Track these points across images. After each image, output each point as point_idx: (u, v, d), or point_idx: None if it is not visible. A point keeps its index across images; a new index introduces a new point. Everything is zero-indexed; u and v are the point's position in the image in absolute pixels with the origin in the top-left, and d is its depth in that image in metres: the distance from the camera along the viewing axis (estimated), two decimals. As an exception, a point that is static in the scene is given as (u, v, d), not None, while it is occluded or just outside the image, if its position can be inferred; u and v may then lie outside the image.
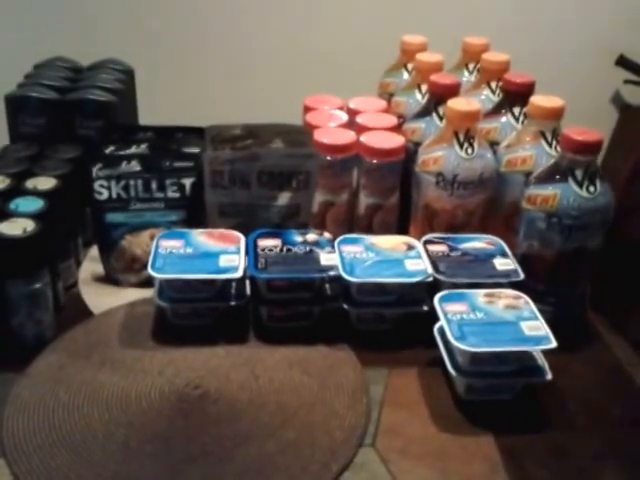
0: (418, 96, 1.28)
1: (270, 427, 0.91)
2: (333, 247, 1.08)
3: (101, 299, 1.13)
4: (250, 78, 1.89)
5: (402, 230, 1.20)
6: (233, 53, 1.90)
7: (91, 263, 1.19)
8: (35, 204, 1.03)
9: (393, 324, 1.07)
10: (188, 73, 1.88)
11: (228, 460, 0.86)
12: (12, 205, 1.03)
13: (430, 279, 1.03)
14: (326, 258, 1.05)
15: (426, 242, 1.10)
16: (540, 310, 0.97)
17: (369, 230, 1.19)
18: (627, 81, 1.87)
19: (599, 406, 0.99)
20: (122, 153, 1.12)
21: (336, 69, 1.82)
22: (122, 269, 1.15)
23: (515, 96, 1.19)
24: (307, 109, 1.29)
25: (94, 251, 1.19)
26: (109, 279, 1.17)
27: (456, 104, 1.11)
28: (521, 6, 1.87)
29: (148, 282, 1.11)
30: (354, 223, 1.22)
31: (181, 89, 1.86)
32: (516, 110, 1.19)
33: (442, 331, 0.97)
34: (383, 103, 1.32)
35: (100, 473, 0.84)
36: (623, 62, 1.84)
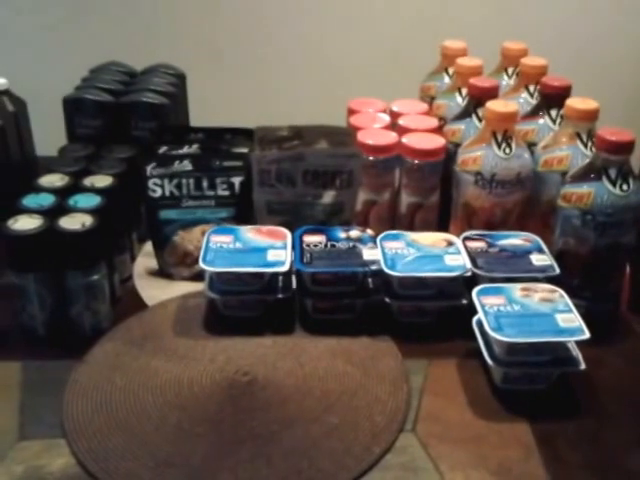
0: (459, 99, 1.31)
1: (315, 412, 0.95)
2: (375, 243, 1.12)
3: (154, 292, 1.18)
4: (294, 82, 1.94)
5: (442, 228, 1.23)
6: (278, 59, 1.95)
7: (145, 258, 1.25)
8: (93, 200, 1.08)
9: (433, 317, 1.11)
10: (236, 78, 1.93)
11: (275, 442, 0.91)
12: (71, 201, 1.08)
13: (469, 274, 1.07)
14: (369, 253, 1.09)
15: (465, 239, 1.14)
16: (575, 304, 1.01)
17: (410, 228, 1.22)
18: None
19: (631, 395, 1.02)
20: (175, 153, 1.17)
21: (378, 73, 1.87)
22: (175, 263, 1.20)
23: (553, 99, 1.22)
24: (351, 111, 1.33)
25: (148, 247, 1.25)
26: (162, 273, 1.21)
27: (495, 105, 1.14)
28: (557, 13, 1.90)
29: (199, 276, 1.16)
30: (396, 221, 1.25)
31: (229, 92, 1.91)
32: (553, 112, 1.22)
33: (480, 323, 1.00)
34: (424, 106, 1.36)
35: (155, 453, 0.89)
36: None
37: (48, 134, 1.31)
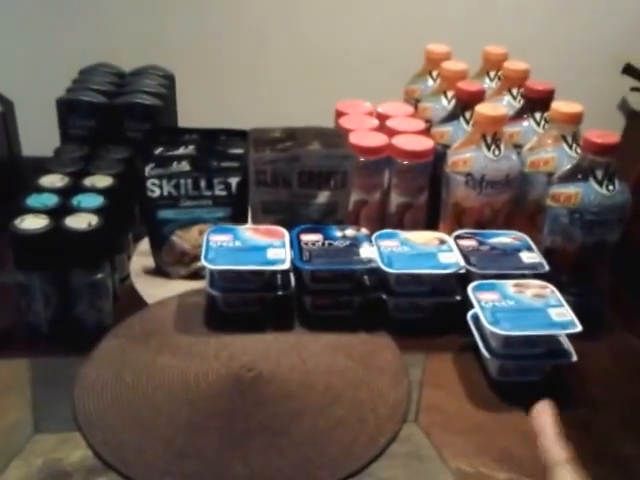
0: (444, 102, 1.35)
1: (320, 405, 0.98)
2: (371, 241, 1.15)
3: (153, 290, 1.20)
4: (279, 83, 1.96)
5: (430, 227, 1.27)
6: (260, 61, 1.97)
7: (140, 257, 1.26)
8: (96, 200, 1.10)
9: (427, 313, 1.15)
10: (221, 80, 1.95)
11: (285, 434, 0.94)
12: (74, 201, 1.09)
13: (463, 271, 1.11)
14: (365, 251, 1.13)
15: (457, 237, 1.18)
16: (563, 300, 1.05)
17: (399, 227, 1.25)
18: (634, 89, 1.94)
19: (618, 386, 1.07)
20: (171, 154, 1.18)
21: (362, 75, 1.90)
22: (172, 262, 1.22)
23: (537, 102, 1.27)
24: (339, 113, 1.36)
25: (142, 246, 1.27)
26: (159, 271, 1.23)
27: (484, 109, 1.18)
28: (535, 19, 1.95)
29: (196, 274, 1.20)
30: (385, 220, 1.29)
31: (215, 95, 1.93)
32: (537, 115, 1.27)
33: (475, 318, 1.05)
34: (410, 108, 1.39)
35: (169, 445, 0.92)
36: (629, 70, 1.91)
37: (33, 134, 1.32)
